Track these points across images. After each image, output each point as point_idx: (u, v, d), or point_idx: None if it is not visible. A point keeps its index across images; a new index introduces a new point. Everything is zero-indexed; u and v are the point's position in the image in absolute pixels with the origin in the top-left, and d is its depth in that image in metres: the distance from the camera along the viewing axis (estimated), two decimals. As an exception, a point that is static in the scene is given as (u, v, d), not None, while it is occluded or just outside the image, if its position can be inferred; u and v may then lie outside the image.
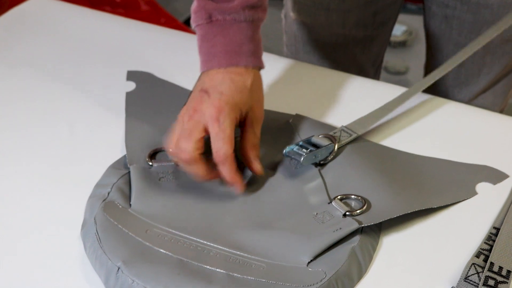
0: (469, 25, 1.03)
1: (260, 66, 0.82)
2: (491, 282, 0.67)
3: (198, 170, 0.77)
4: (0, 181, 0.82)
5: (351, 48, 1.12)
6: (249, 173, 0.81)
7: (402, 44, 2.19)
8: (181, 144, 0.76)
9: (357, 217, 0.74)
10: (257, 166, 0.79)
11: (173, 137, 0.77)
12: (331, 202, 0.76)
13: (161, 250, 0.70)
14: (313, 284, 0.67)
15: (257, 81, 0.81)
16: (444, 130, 0.89)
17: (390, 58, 2.12)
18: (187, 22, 2.27)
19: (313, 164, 0.81)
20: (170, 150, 0.77)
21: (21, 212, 0.78)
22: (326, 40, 1.11)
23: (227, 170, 0.76)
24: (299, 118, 0.89)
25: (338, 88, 0.97)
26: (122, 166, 0.82)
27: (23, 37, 1.09)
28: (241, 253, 0.71)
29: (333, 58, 1.12)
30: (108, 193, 0.77)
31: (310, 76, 1.00)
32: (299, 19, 1.13)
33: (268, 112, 0.90)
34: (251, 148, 0.79)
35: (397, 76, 2.09)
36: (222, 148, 0.75)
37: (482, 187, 0.81)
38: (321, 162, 0.82)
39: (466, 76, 1.09)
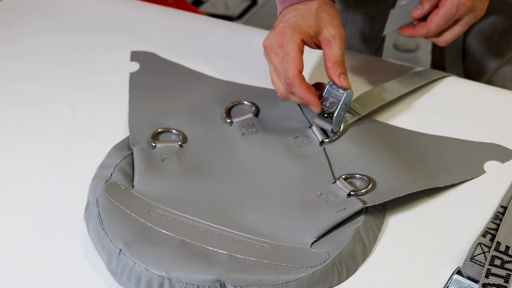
0: None
1: None
2: (497, 262, 0.66)
3: (301, 90, 0.78)
4: (3, 163, 0.82)
5: (350, 27, 1.10)
6: (252, 155, 0.80)
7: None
8: (280, 79, 0.79)
9: (361, 197, 0.73)
10: (342, 82, 0.79)
11: (275, 83, 0.81)
12: (335, 181, 0.75)
13: (163, 231, 0.70)
14: (317, 265, 0.67)
15: (325, 6, 0.81)
16: (451, 108, 0.88)
17: (400, 36, 2.09)
18: (195, 3, 2.26)
19: (317, 143, 0.81)
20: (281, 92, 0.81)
21: (25, 194, 0.78)
22: None
23: (297, 90, 0.78)
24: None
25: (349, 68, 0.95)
26: (125, 147, 0.82)
27: (26, 18, 1.09)
28: (244, 234, 0.70)
29: None
30: (111, 174, 0.77)
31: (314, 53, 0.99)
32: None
33: (272, 92, 0.89)
34: (332, 65, 0.79)
35: (407, 54, 2.07)
36: (287, 70, 0.77)
37: (490, 166, 0.79)
38: (326, 141, 0.81)
39: (472, 58, 1.06)
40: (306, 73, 0.93)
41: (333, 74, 0.79)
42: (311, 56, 0.93)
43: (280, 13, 0.83)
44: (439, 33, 0.86)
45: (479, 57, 1.06)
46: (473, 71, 1.07)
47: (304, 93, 0.78)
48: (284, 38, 0.78)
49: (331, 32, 0.79)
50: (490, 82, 1.08)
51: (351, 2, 1.06)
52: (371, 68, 0.96)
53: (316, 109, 0.79)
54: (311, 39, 0.80)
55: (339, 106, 0.79)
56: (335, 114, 0.79)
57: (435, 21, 0.83)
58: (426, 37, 0.86)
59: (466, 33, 1.04)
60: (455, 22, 0.84)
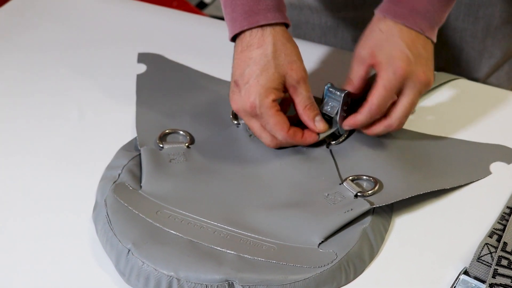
0: (466, 7, 1.01)
1: (283, 22, 0.79)
2: (504, 262, 0.66)
3: (300, 141, 0.79)
4: (12, 165, 0.82)
5: (342, 30, 1.10)
6: (259, 156, 0.80)
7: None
8: (264, 136, 0.79)
9: (368, 198, 0.73)
10: (317, 126, 0.79)
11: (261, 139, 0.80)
12: (342, 183, 0.76)
13: (171, 231, 0.70)
14: (324, 265, 0.67)
15: (280, 44, 0.78)
16: (457, 109, 0.88)
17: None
18: (199, 5, 2.27)
19: (324, 145, 0.81)
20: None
21: (34, 195, 0.78)
22: (316, 23, 1.09)
23: (297, 142, 0.79)
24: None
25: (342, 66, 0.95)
26: (132, 148, 0.82)
27: (34, 20, 1.09)
28: (252, 234, 0.70)
29: (324, 41, 1.10)
30: (119, 175, 0.77)
31: (314, 55, 0.99)
32: (287, 1, 1.11)
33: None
34: (304, 110, 0.79)
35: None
36: (278, 135, 0.77)
37: (496, 167, 0.80)
38: (332, 143, 0.81)
39: (467, 62, 1.06)
40: (309, 75, 0.94)
41: (307, 120, 0.79)
42: (312, 56, 0.94)
43: (234, 40, 0.80)
44: (388, 112, 0.78)
45: (472, 61, 1.06)
46: (467, 76, 1.07)
47: (305, 142, 0.79)
48: (255, 107, 0.76)
49: (294, 78, 0.77)
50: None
51: (342, 5, 1.06)
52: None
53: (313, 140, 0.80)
54: (279, 92, 0.77)
55: (339, 109, 0.79)
56: (338, 118, 0.80)
57: (376, 93, 0.76)
58: (371, 120, 0.78)
59: (458, 39, 1.04)
60: (401, 94, 0.77)
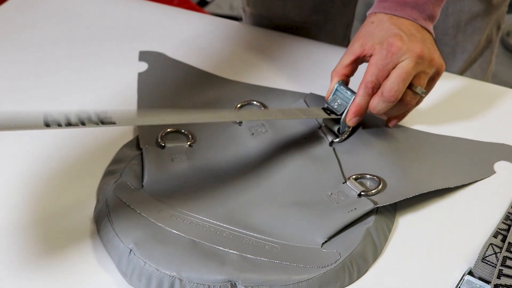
0: None
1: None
2: (509, 263, 0.65)
3: None
4: (12, 164, 0.82)
5: (313, 33, 1.09)
6: (262, 155, 0.80)
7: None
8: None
9: (372, 197, 0.73)
10: None
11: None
12: (345, 182, 0.75)
13: (174, 231, 0.69)
14: (328, 265, 0.66)
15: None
16: (460, 108, 0.88)
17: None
18: (200, 3, 2.26)
19: (327, 143, 0.81)
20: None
21: (35, 195, 0.78)
22: (286, 28, 1.08)
23: None
24: (313, 97, 0.88)
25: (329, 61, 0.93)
26: (134, 147, 0.81)
27: (34, 19, 1.09)
28: (255, 234, 0.70)
29: None
30: (120, 174, 0.77)
31: (314, 52, 0.99)
32: (255, 12, 1.11)
33: (280, 92, 0.89)
34: None
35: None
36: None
37: (500, 166, 0.79)
38: (335, 141, 0.81)
39: None
40: (311, 73, 0.93)
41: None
42: (311, 53, 0.93)
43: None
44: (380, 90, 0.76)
45: (445, 58, 1.06)
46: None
47: None
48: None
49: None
50: None
51: (311, 10, 1.06)
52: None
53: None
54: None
55: (347, 108, 0.79)
56: (343, 116, 0.79)
57: (369, 71, 0.76)
58: (369, 99, 0.77)
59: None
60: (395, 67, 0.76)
